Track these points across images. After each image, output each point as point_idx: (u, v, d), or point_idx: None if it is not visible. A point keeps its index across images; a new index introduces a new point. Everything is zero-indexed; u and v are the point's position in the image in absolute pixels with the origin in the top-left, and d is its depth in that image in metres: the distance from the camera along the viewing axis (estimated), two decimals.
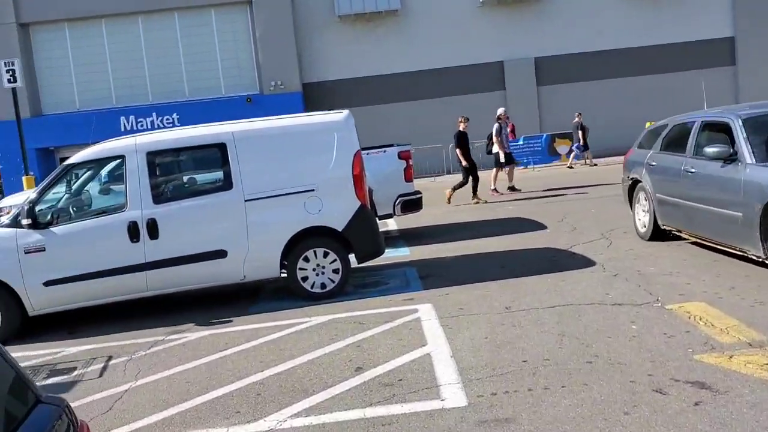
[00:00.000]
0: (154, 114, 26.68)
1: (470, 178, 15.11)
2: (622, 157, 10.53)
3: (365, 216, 7.80)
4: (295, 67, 26.85)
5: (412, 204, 10.90)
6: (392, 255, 9.96)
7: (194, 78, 26.99)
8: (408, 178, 10.80)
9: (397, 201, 10.70)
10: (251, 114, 27.45)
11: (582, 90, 27.63)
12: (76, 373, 6.09)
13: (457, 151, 15.27)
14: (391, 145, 11.40)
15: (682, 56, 27.46)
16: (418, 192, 11.09)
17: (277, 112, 26.64)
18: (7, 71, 18.73)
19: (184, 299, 8.44)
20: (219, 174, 7.70)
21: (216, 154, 7.61)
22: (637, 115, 26.33)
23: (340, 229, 7.66)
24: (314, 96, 27.46)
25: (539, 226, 11.29)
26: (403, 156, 10.78)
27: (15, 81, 18.87)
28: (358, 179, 7.70)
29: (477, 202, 15.07)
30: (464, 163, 15.00)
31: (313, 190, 7.58)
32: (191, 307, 8.09)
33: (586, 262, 8.27)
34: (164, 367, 5.93)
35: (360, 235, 7.75)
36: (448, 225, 12.72)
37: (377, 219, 10.99)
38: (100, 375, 5.96)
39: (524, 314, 6.34)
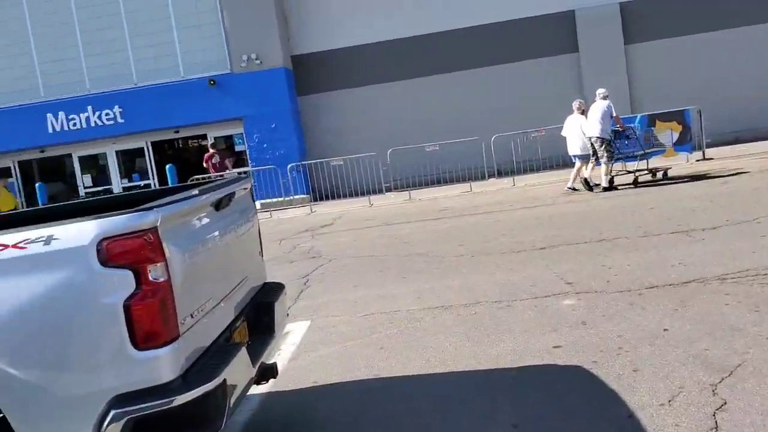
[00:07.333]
0: (89, 108, 19.70)
1: None
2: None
3: None
4: (275, 34, 19.15)
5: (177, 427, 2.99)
6: None
7: (143, 57, 19.73)
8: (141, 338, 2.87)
9: (111, 420, 2.83)
10: (216, 101, 19.91)
11: (691, 46, 18.86)
12: None
13: None
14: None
15: None
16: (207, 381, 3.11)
17: (252, 96, 18.82)
18: None
19: None
20: None
21: None
22: None
23: None
24: (306, 72, 19.80)
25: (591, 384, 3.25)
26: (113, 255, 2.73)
27: None
28: None
29: None
30: None
31: None
32: None
33: None
34: None
35: None
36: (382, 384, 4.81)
37: None
38: None
39: None
